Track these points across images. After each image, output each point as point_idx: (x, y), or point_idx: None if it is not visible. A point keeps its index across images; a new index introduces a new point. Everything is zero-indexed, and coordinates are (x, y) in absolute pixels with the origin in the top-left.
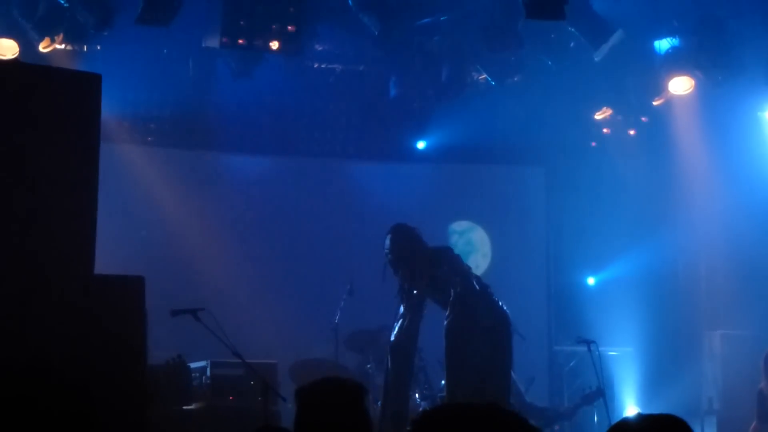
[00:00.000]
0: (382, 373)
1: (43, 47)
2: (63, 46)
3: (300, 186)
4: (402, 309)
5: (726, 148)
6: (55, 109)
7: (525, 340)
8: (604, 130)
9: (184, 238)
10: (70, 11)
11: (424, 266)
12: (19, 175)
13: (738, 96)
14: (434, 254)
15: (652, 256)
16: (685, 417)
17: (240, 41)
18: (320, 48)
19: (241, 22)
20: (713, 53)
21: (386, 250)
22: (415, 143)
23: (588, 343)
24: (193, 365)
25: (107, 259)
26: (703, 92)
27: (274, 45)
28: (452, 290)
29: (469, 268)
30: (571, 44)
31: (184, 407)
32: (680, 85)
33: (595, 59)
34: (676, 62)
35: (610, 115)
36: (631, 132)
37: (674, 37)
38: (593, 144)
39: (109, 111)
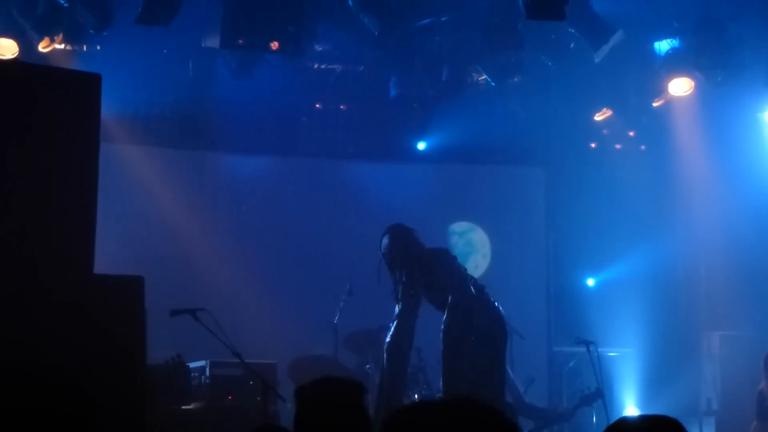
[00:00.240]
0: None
1: (43, 47)
2: (62, 45)
3: (299, 186)
4: (397, 309)
5: (726, 149)
6: (54, 109)
7: (524, 339)
8: (604, 131)
9: (183, 238)
10: (69, 11)
11: (421, 268)
12: (18, 174)
13: (738, 97)
14: (431, 256)
15: (651, 257)
16: (683, 417)
17: (240, 41)
18: (320, 48)
19: (241, 22)
20: (713, 54)
21: (382, 251)
22: (415, 144)
23: (587, 343)
24: (192, 365)
25: (107, 259)
26: (702, 93)
27: (274, 45)
28: (449, 292)
29: (466, 269)
30: (571, 45)
31: (183, 407)
32: (680, 86)
33: (595, 60)
34: (676, 63)
35: (610, 116)
36: (631, 133)
37: (674, 38)
38: (593, 145)
39: (108, 111)
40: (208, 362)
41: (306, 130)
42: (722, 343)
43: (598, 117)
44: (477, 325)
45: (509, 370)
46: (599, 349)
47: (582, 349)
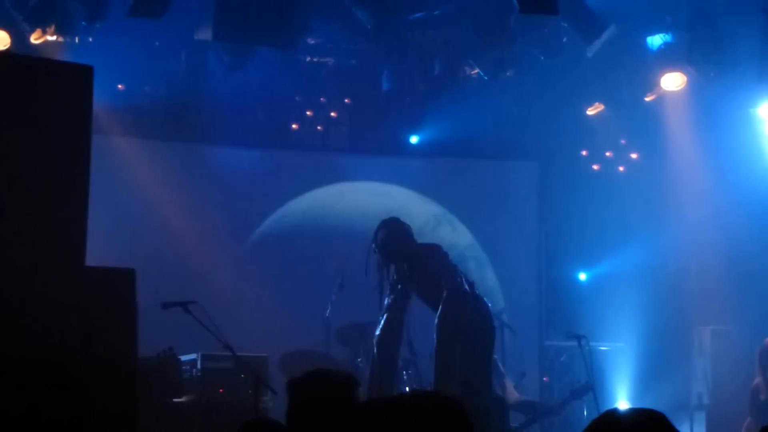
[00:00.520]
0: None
1: (35, 39)
2: (54, 37)
3: (291, 179)
4: (386, 303)
5: (718, 144)
6: (46, 101)
7: (515, 334)
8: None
9: (174, 231)
10: (62, 3)
11: (413, 263)
12: (8, 166)
13: (730, 92)
14: (423, 251)
15: (643, 252)
16: (674, 412)
17: (232, 34)
18: (313, 41)
19: (234, 15)
20: (706, 49)
21: (378, 244)
22: (408, 137)
23: (579, 338)
24: (183, 358)
25: (98, 252)
26: (695, 88)
27: (267, 38)
28: (442, 288)
29: (457, 265)
30: (564, 39)
31: (175, 400)
32: (672, 81)
33: (588, 55)
34: (668, 58)
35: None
36: (623, 141)
37: (667, 33)
38: (584, 153)
39: (100, 103)
40: (199, 355)
41: (298, 124)
42: (713, 338)
43: (591, 111)
44: (469, 319)
45: (500, 364)
46: (591, 344)
47: (573, 343)
